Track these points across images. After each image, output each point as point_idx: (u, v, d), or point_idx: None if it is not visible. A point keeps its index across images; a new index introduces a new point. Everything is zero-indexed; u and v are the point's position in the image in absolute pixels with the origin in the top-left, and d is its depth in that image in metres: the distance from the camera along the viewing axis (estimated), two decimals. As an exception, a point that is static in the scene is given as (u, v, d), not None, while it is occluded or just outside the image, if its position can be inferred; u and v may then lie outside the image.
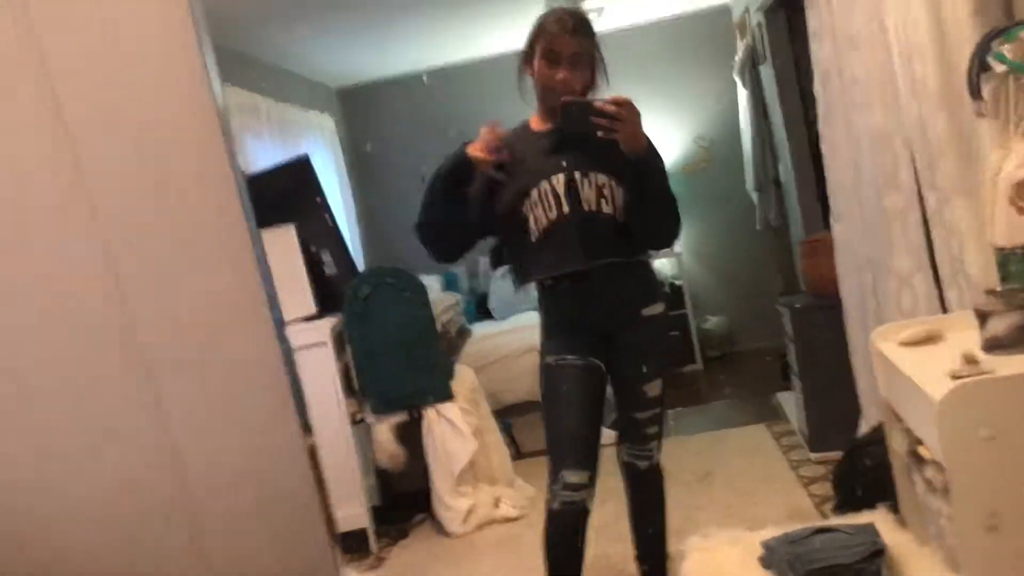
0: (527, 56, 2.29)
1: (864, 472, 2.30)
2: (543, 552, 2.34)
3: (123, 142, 1.51)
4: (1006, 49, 1.69)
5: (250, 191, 1.59)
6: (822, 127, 3.33)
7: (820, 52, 3.24)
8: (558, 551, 2.33)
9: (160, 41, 1.50)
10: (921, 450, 1.79)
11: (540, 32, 2.23)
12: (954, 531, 1.68)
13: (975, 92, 1.74)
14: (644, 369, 2.34)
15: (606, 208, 2.23)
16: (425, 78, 6.03)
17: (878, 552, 1.72)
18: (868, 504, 2.12)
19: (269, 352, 1.58)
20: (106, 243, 1.51)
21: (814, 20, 3.23)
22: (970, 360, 1.60)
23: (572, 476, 2.24)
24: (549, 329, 2.38)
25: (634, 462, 2.42)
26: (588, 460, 2.28)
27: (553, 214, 2.23)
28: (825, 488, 3.31)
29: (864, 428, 3.37)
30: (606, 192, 2.23)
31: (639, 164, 2.16)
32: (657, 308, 2.37)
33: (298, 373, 1.60)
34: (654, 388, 2.36)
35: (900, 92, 2.56)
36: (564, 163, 2.23)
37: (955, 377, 1.58)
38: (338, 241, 3.67)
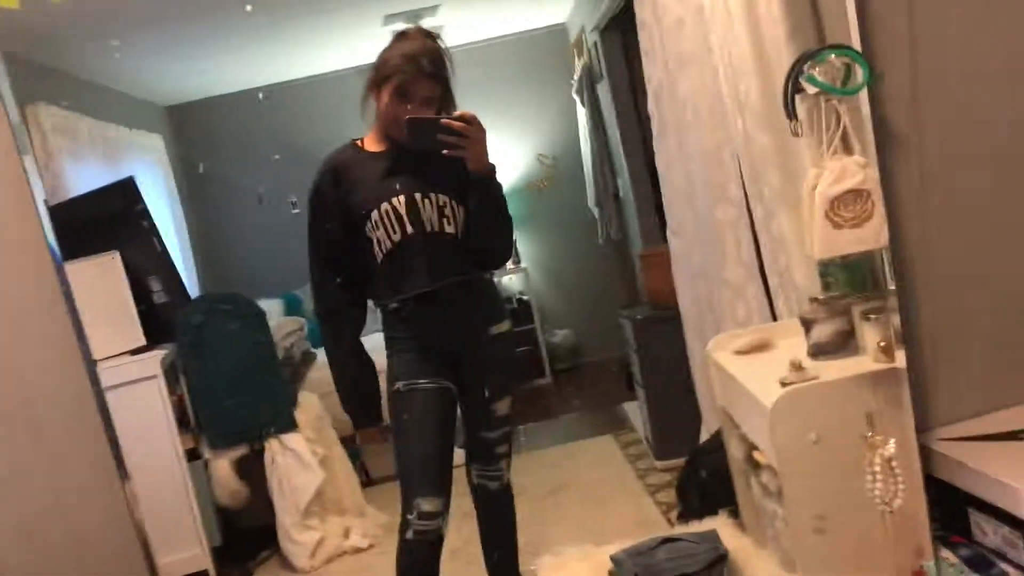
0: (374, 82, 2.20)
1: (704, 479, 2.36)
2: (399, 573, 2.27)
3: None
4: (817, 71, 1.78)
5: (69, 217, 1.47)
6: (656, 143, 3.43)
7: (652, 71, 3.34)
8: (413, 572, 2.27)
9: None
10: (757, 455, 1.84)
11: (392, 69, 2.14)
12: (788, 533, 1.73)
13: (791, 113, 1.82)
14: (493, 388, 2.32)
15: (448, 227, 2.20)
16: (261, 95, 5.83)
17: (720, 558, 1.76)
18: (710, 511, 2.18)
19: (82, 394, 1.46)
20: None
21: (645, 40, 3.33)
22: (797, 367, 1.66)
23: (426, 504, 2.18)
24: (396, 353, 2.31)
25: (484, 483, 2.39)
26: (442, 486, 2.22)
27: (397, 236, 2.18)
28: (671, 495, 3.39)
29: (704, 435, 3.49)
30: (447, 211, 2.20)
31: (482, 181, 2.14)
32: (504, 326, 2.35)
33: (111, 415, 1.46)
34: (503, 407, 2.34)
35: (727, 109, 2.66)
36: (404, 184, 2.19)
37: (784, 384, 1.64)
38: (168, 267, 3.46)
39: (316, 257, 2.31)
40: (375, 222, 2.18)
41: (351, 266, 2.27)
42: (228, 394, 3.37)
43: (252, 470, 3.48)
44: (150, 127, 5.46)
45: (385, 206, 2.18)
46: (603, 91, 5.16)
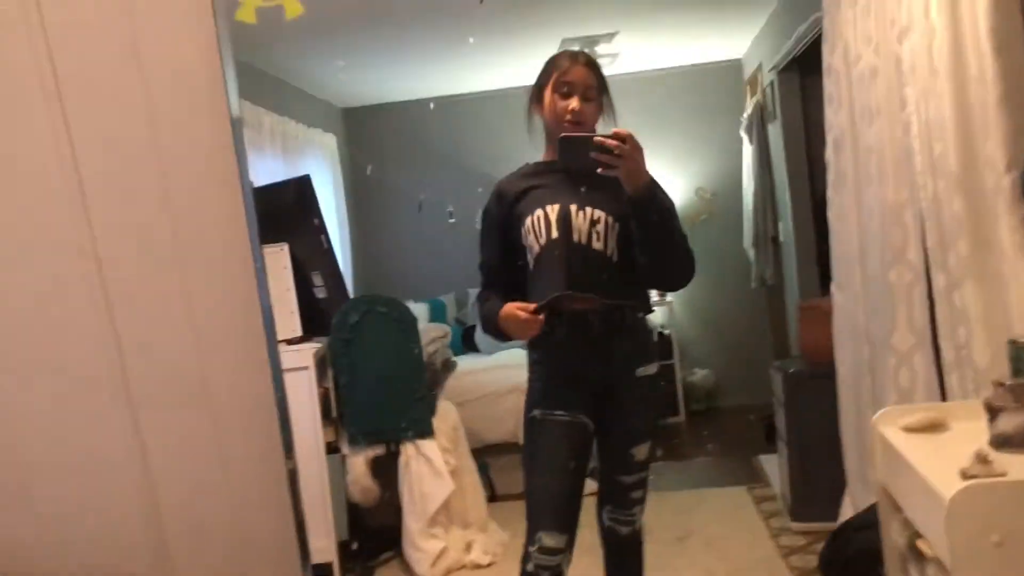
0: (537, 94, 2.27)
1: (852, 557, 2.22)
2: None
3: (127, 149, 1.44)
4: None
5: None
6: (831, 194, 3.29)
7: (834, 119, 3.22)
8: None
9: (180, 47, 1.43)
10: (921, 545, 1.72)
11: (552, 67, 2.24)
12: (952, 635, 1.61)
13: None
14: (635, 431, 2.26)
15: (596, 243, 2.17)
16: (431, 105, 6.00)
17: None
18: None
19: (260, 371, 1.51)
20: (99, 249, 1.43)
21: (831, 86, 3.21)
22: (982, 459, 1.54)
23: (549, 540, 2.15)
24: (538, 379, 2.28)
25: (616, 527, 2.33)
26: (567, 524, 2.19)
27: (543, 240, 2.19)
28: (805, 560, 3.24)
29: (848, 505, 3.30)
30: (599, 228, 2.17)
31: (641, 201, 2.07)
32: (652, 368, 2.29)
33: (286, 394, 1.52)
34: (642, 451, 2.27)
35: (916, 168, 2.52)
36: (563, 194, 2.20)
37: (966, 476, 1.52)
38: (331, 265, 3.59)
39: (484, 270, 2.36)
40: (527, 228, 2.21)
41: (515, 283, 2.28)
42: (373, 394, 3.45)
43: (386, 471, 3.56)
44: (326, 126, 5.70)
45: (539, 212, 2.20)
46: (774, 132, 5.01)
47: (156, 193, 1.43)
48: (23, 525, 1.46)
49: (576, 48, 4.69)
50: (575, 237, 2.16)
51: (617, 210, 2.16)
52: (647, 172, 2.07)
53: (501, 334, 2.22)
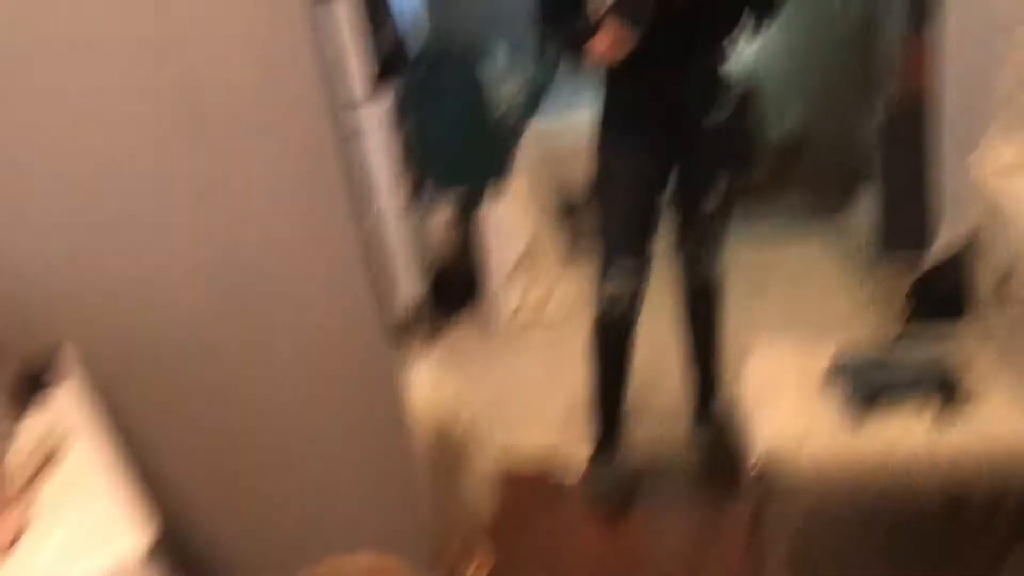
0: None
1: (944, 283, 2.16)
2: (591, 351, 2.30)
3: None
4: None
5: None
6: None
7: None
8: (605, 354, 2.29)
9: None
10: (1013, 285, 1.64)
11: None
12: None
13: None
14: (708, 177, 2.19)
15: None
16: None
17: (960, 365, 1.62)
18: (947, 317, 2.01)
19: (326, 121, 1.45)
20: None
21: None
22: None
23: (623, 279, 2.15)
24: (607, 119, 2.18)
25: (693, 276, 2.30)
26: (641, 262, 2.17)
27: None
28: (895, 290, 3.19)
29: (945, 234, 3.19)
30: None
31: None
32: (724, 113, 2.17)
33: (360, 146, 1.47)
34: (717, 198, 2.20)
35: None
36: None
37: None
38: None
39: None
40: None
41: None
42: (450, 144, 3.38)
43: (465, 222, 3.57)
44: None
45: None
46: None
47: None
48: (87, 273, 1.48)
49: None
50: None
51: None
52: None
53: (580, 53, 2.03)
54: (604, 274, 2.19)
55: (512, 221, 3.49)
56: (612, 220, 2.19)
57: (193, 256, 1.48)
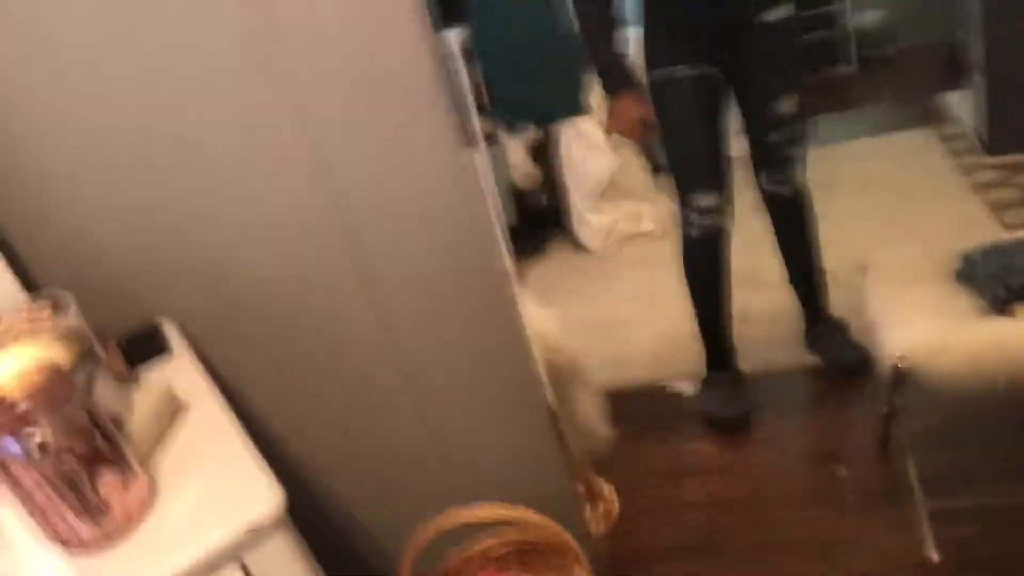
0: None
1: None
2: (685, 275, 2.23)
3: None
4: None
5: None
6: None
7: None
8: (700, 277, 2.21)
9: None
10: None
11: None
12: None
13: None
14: (773, 83, 2.02)
15: None
16: None
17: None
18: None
19: (422, 58, 1.38)
20: None
21: None
22: None
23: (703, 200, 2.06)
24: (652, 31, 2.04)
25: (776, 190, 2.17)
26: (718, 179, 2.07)
27: None
28: (1005, 194, 3.01)
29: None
30: None
31: None
32: (782, 11, 1.97)
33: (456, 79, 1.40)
34: (788, 105, 2.03)
35: None
36: None
37: None
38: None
39: None
40: None
41: None
42: (522, 77, 3.31)
43: (547, 152, 3.50)
44: None
45: None
46: None
47: None
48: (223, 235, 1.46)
49: None
50: None
51: None
52: None
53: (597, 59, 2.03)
54: (682, 210, 2.10)
55: (594, 144, 3.39)
56: (678, 157, 2.09)
57: (301, 203, 1.44)
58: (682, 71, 2.00)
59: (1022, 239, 1.65)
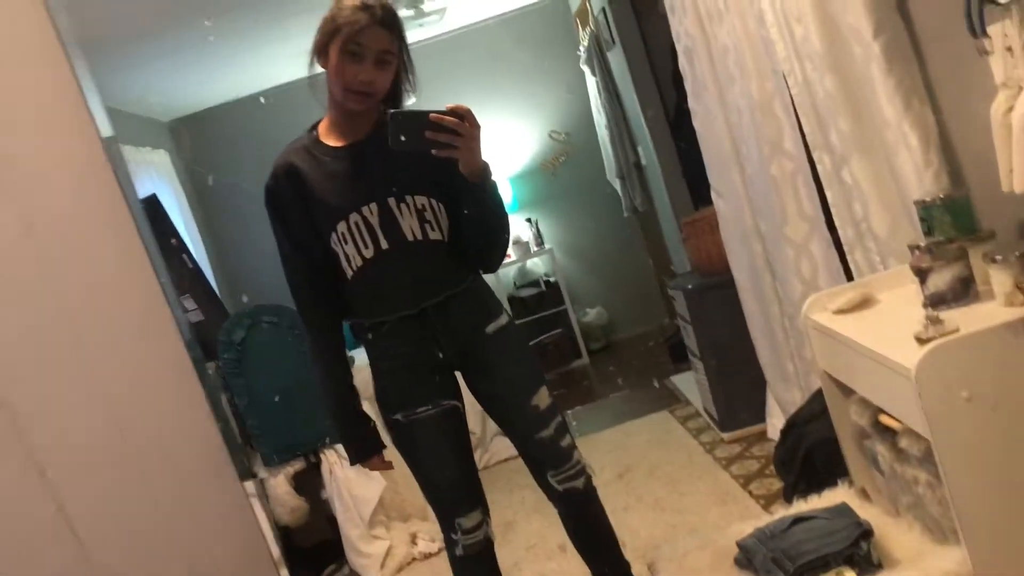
0: (321, 46, 1.88)
1: (808, 450, 2.22)
2: None
3: None
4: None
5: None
6: (692, 104, 3.29)
7: (681, 28, 3.20)
8: None
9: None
10: (886, 420, 1.71)
11: (340, 20, 1.82)
12: (935, 499, 1.61)
13: (976, 28, 1.60)
14: (519, 384, 2.06)
15: (433, 234, 1.91)
16: (262, 99, 5.67)
17: (865, 533, 1.63)
18: (822, 483, 2.05)
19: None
20: None
21: (672, -3, 3.18)
22: (934, 320, 1.52)
23: (466, 521, 2.05)
24: (384, 375, 2.03)
25: (571, 485, 2.10)
26: (477, 499, 2.08)
27: (369, 251, 1.89)
28: (746, 467, 3.27)
29: (773, 404, 3.36)
30: (428, 215, 1.90)
31: (478, 186, 1.84)
32: (501, 320, 2.06)
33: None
34: (542, 399, 2.06)
35: (779, 57, 2.51)
36: (374, 186, 1.88)
37: (923, 340, 1.50)
38: (202, 284, 3.33)
39: (289, 270, 2.01)
40: (342, 235, 1.89)
41: (332, 278, 1.99)
42: (278, 408, 3.24)
43: (310, 485, 3.36)
44: (154, 143, 5.31)
45: (354, 217, 1.88)
46: (615, 59, 5.00)
47: (27, 232, 1.22)
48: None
49: (403, 11, 4.44)
50: (409, 237, 1.89)
51: (438, 188, 1.91)
52: (481, 152, 1.83)
53: (343, 432, 2.09)
54: (451, 534, 2.06)
55: (359, 470, 3.31)
56: (434, 487, 2.07)
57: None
58: (424, 412, 2.00)
59: (786, 519, 1.77)
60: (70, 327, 1.26)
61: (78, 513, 1.25)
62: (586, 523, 2.18)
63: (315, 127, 2.02)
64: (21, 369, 1.22)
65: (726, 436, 3.57)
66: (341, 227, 1.88)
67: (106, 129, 1.24)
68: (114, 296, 1.30)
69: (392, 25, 1.87)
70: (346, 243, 1.89)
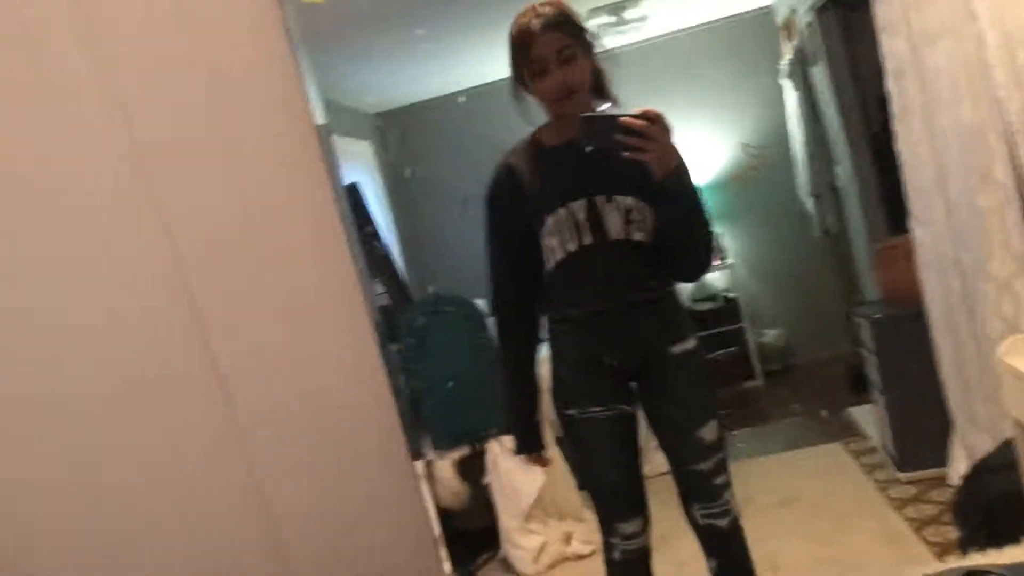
0: (517, 75, 2.00)
1: (992, 500, 2.08)
2: None
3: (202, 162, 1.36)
4: None
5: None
6: (898, 126, 3.12)
7: (892, 47, 3.05)
8: None
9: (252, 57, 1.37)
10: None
11: (515, 48, 1.95)
12: None
13: None
14: (692, 413, 2.03)
15: (637, 235, 1.94)
16: (461, 99, 5.91)
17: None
18: (1000, 538, 1.91)
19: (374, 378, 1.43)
20: (183, 265, 1.35)
21: (885, 14, 3.04)
22: None
23: (626, 527, 2.05)
24: (564, 369, 2.07)
25: (712, 522, 2.08)
26: (640, 507, 2.07)
27: (572, 245, 1.94)
28: (920, 511, 3.10)
29: (959, 447, 3.15)
30: (635, 216, 1.93)
31: (673, 187, 1.85)
32: (690, 343, 2.04)
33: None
34: (710, 432, 2.03)
35: (997, 82, 2.37)
36: (585, 185, 1.94)
37: None
38: (391, 270, 3.53)
39: (495, 264, 2.10)
40: (550, 228, 1.96)
41: (532, 274, 2.05)
42: (450, 395, 3.38)
43: (472, 471, 3.49)
44: (359, 135, 5.64)
45: (562, 211, 1.94)
46: (819, 74, 4.82)
47: (238, 207, 1.36)
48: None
49: (605, 18, 4.49)
50: (612, 235, 1.93)
51: (647, 191, 1.92)
52: (678, 154, 1.84)
53: (514, 420, 2.17)
54: (606, 535, 2.09)
55: (522, 467, 3.40)
56: (598, 489, 2.08)
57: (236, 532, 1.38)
58: (598, 412, 2.01)
59: (958, 570, 1.67)
60: (273, 296, 1.38)
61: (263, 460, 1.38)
62: (724, 562, 2.14)
63: (536, 132, 2.10)
64: (235, 332, 1.36)
65: (903, 476, 3.39)
66: (550, 220, 1.95)
67: (320, 118, 1.35)
68: (312, 273, 1.42)
69: (557, 24, 1.91)
70: (552, 236, 1.96)
